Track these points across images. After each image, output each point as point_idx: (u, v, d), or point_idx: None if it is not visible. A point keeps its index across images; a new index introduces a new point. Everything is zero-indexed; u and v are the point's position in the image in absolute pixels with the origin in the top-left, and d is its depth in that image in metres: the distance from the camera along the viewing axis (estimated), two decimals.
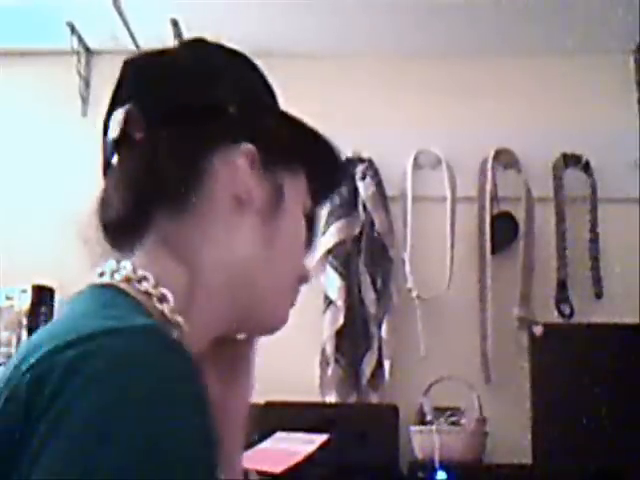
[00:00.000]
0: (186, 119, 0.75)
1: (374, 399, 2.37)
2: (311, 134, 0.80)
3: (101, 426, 0.53)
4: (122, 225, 0.74)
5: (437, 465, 2.06)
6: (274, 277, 0.78)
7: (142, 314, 0.66)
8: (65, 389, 0.54)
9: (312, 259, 0.92)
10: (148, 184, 0.73)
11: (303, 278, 0.83)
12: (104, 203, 0.77)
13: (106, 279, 0.70)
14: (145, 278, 0.69)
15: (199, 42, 0.83)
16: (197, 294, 0.71)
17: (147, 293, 0.68)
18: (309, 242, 0.86)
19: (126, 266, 0.70)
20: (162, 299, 0.68)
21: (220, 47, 0.83)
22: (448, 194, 2.46)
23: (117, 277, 0.70)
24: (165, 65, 0.81)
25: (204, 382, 0.59)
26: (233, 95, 0.77)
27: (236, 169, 0.74)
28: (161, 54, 0.83)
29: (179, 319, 0.68)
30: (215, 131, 0.75)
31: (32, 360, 0.57)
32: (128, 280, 0.69)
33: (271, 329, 0.82)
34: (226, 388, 0.81)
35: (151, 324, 0.62)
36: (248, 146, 0.75)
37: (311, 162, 0.82)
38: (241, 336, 0.83)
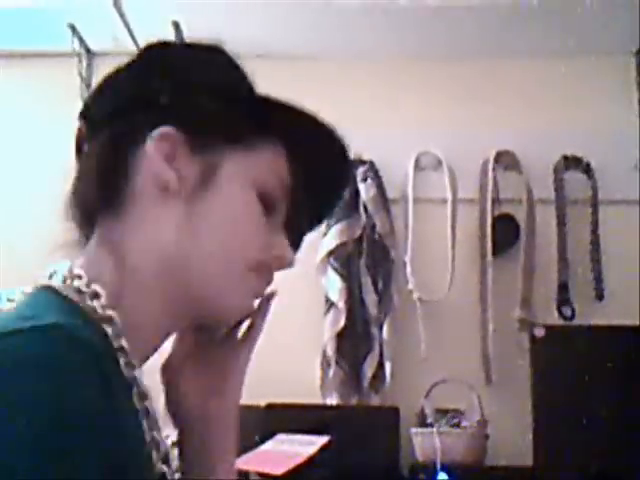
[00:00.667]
0: (117, 117, 0.76)
1: (375, 401, 2.37)
2: (292, 111, 0.77)
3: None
4: (76, 229, 0.78)
5: (438, 467, 2.06)
6: (212, 262, 0.75)
7: (67, 313, 0.66)
8: None
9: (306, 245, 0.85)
10: (87, 189, 0.77)
11: (259, 262, 0.78)
12: (64, 209, 0.81)
13: (46, 280, 0.73)
14: (79, 276, 0.71)
15: (153, 45, 0.83)
16: (128, 287, 0.72)
17: (80, 291, 0.70)
18: (290, 223, 0.81)
19: (64, 267, 0.73)
20: (94, 296, 0.69)
21: (173, 44, 0.84)
22: (449, 196, 2.46)
23: (56, 278, 0.72)
24: (111, 72, 0.82)
25: (103, 381, 0.59)
26: (164, 85, 0.76)
27: (148, 156, 0.74)
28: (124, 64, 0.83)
29: (111, 313, 0.69)
30: (142, 123, 0.75)
31: None
32: (65, 280, 0.71)
33: (225, 318, 0.79)
34: (212, 390, 0.80)
35: (53, 323, 0.61)
36: (162, 129, 0.74)
37: (289, 139, 0.79)
38: (222, 335, 0.82)
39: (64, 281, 0.71)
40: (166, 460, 0.74)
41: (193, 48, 0.82)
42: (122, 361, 0.68)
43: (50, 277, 0.74)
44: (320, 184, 0.83)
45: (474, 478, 2.13)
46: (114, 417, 0.59)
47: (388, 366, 2.36)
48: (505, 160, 2.50)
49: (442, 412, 2.20)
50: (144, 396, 0.70)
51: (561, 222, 2.45)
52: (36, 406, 0.55)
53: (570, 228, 2.44)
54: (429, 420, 2.19)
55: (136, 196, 0.75)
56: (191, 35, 2.53)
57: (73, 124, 2.74)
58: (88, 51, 2.66)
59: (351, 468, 2.05)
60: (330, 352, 2.37)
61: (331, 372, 2.36)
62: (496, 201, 2.48)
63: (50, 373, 0.57)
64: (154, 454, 0.70)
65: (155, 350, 0.77)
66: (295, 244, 0.85)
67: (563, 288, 2.42)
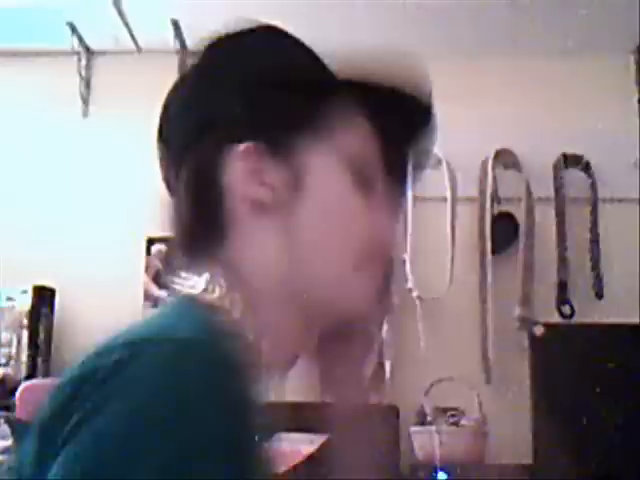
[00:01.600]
0: (196, 140, 0.74)
1: (374, 399, 2.37)
2: (359, 83, 0.76)
3: (116, 435, 0.54)
4: (186, 250, 0.76)
5: (438, 466, 2.06)
6: (324, 265, 0.73)
7: (200, 324, 0.65)
8: (101, 390, 0.56)
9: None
10: (188, 223, 0.75)
11: (372, 248, 0.75)
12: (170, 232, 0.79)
13: (185, 291, 0.72)
14: (213, 291, 0.70)
15: (214, 44, 0.81)
16: (252, 305, 0.71)
17: (214, 306, 0.69)
18: (394, 194, 0.79)
19: (200, 280, 0.71)
20: (227, 312, 0.69)
21: (227, 39, 0.81)
22: (448, 194, 2.46)
23: (192, 290, 0.71)
24: (178, 85, 0.80)
25: (239, 399, 0.59)
26: (234, 94, 0.74)
27: (233, 178, 0.73)
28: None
29: (241, 329, 0.69)
30: (223, 141, 0.73)
31: (85, 357, 0.60)
32: (202, 292, 0.70)
33: (353, 317, 0.77)
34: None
35: (192, 337, 0.61)
36: (241, 147, 0.72)
37: (371, 112, 0.77)
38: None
39: (201, 293, 0.71)
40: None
41: (250, 40, 0.80)
42: (254, 376, 0.68)
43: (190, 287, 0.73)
44: (408, 141, 0.82)
45: (474, 476, 2.13)
46: (244, 439, 0.59)
47: (387, 365, 2.36)
48: (505, 158, 2.50)
49: (441, 411, 2.20)
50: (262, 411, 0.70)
51: (561, 220, 2.45)
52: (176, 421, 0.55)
53: (569, 226, 2.44)
54: (429, 419, 2.19)
55: (232, 217, 0.73)
56: (190, 34, 2.53)
57: (72, 123, 2.73)
58: (88, 50, 2.65)
59: (350, 466, 2.04)
60: None
61: None
62: (495, 199, 2.48)
63: (182, 386, 0.56)
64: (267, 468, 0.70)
65: (296, 358, 0.78)
66: (397, 207, 0.83)
67: (562, 286, 2.41)
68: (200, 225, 0.74)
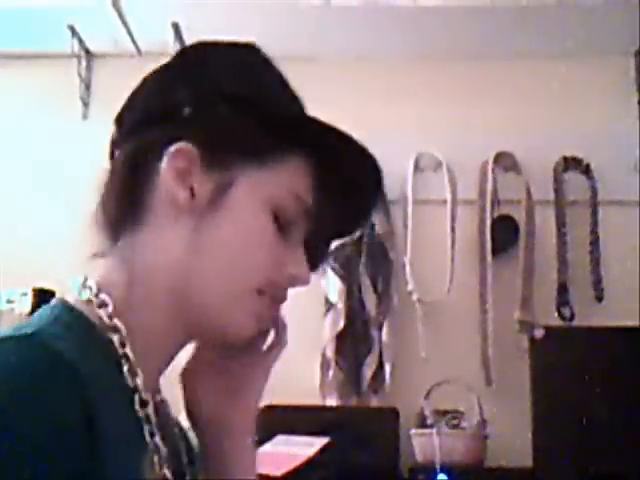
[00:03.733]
0: (141, 129, 0.76)
1: (374, 402, 2.37)
2: (318, 125, 0.75)
3: None
4: (101, 240, 0.79)
5: (438, 468, 2.06)
6: (215, 282, 0.74)
7: (63, 324, 0.69)
8: None
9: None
10: (109, 202, 0.77)
11: (271, 282, 0.76)
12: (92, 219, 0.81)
13: (67, 293, 0.75)
14: (90, 287, 0.73)
15: (187, 48, 0.82)
16: (135, 299, 0.73)
17: (89, 301, 0.72)
18: (313, 240, 0.80)
19: (80, 279, 0.75)
20: (101, 305, 0.72)
21: (207, 46, 0.81)
22: (448, 197, 2.46)
23: (72, 290, 0.75)
24: (146, 77, 0.81)
25: (64, 389, 0.61)
26: (186, 96, 0.75)
27: (161, 172, 0.74)
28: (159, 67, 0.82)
29: (117, 322, 0.71)
30: (163, 137, 0.74)
31: None
32: (79, 291, 0.74)
33: (226, 341, 0.78)
34: (225, 402, 0.80)
35: (29, 332, 0.64)
36: (177, 145, 0.73)
37: (318, 156, 0.77)
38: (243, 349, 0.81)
39: (79, 292, 0.74)
40: (179, 463, 0.76)
41: (225, 53, 0.80)
42: (125, 368, 0.70)
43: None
44: (349, 201, 0.81)
45: (474, 479, 2.13)
46: (51, 427, 0.60)
47: (388, 367, 2.36)
48: (505, 161, 2.50)
49: (442, 413, 2.20)
50: (145, 403, 0.71)
51: (560, 223, 2.45)
52: None
53: (570, 229, 2.44)
54: (429, 421, 2.19)
55: (152, 211, 0.75)
56: (190, 37, 2.54)
57: (72, 125, 2.73)
58: (87, 52, 2.66)
59: (351, 469, 2.04)
60: (330, 353, 2.37)
61: (331, 373, 2.36)
62: (495, 202, 2.48)
63: (7, 379, 0.59)
64: (155, 458, 0.71)
65: (171, 360, 0.78)
66: (318, 259, 0.84)
67: (562, 289, 2.41)
68: (120, 210, 0.76)
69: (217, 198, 0.74)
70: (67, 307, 0.72)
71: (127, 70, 2.57)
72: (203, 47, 0.80)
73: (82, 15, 2.49)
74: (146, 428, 0.71)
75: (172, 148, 0.73)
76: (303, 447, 1.94)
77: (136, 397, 0.70)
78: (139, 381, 0.71)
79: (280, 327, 0.83)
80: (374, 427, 2.20)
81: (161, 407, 0.78)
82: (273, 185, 0.75)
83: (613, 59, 2.56)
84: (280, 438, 2.01)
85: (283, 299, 0.80)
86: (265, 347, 0.83)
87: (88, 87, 2.64)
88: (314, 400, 2.32)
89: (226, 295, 0.75)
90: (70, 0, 2.46)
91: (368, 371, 2.37)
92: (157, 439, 0.71)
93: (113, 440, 0.63)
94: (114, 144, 0.80)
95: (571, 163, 2.48)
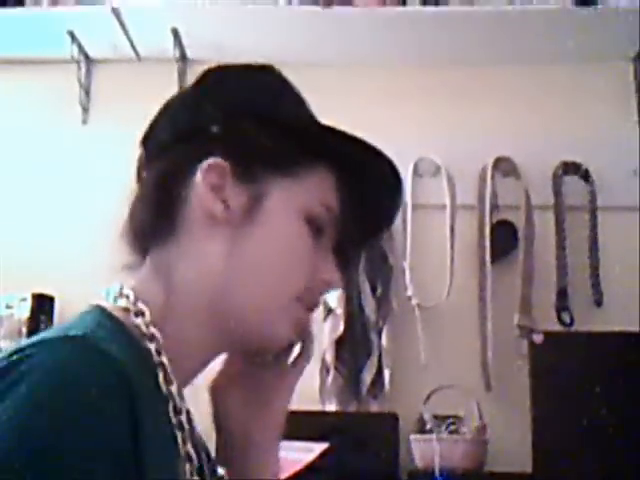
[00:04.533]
0: (172, 147, 0.78)
1: (374, 407, 2.37)
2: (338, 136, 0.78)
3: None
4: (130, 252, 0.80)
5: (437, 473, 2.05)
6: (255, 293, 0.76)
7: (106, 328, 0.70)
8: None
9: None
10: (142, 217, 0.79)
11: (306, 290, 0.78)
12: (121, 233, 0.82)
13: (101, 300, 0.77)
14: (127, 296, 0.74)
15: (208, 70, 0.84)
16: (172, 310, 0.75)
17: (127, 309, 0.73)
18: (339, 247, 0.82)
19: (116, 288, 0.76)
20: (138, 314, 0.73)
21: (227, 68, 0.83)
22: (448, 202, 2.46)
23: (107, 298, 0.76)
24: (169, 100, 0.84)
25: (116, 391, 0.61)
26: (215, 114, 0.78)
27: (195, 187, 0.76)
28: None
29: (153, 331, 0.72)
30: (194, 153, 0.77)
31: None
32: (115, 300, 0.75)
33: (266, 348, 0.80)
34: (253, 415, 0.82)
35: (80, 334, 0.65)
36: (210, 161, 0.76)
37: (339, 167, 0.80)
38: (271, 362, 0.83)
39: (114, 300, 0.75)
40: (201, 473, 0.76)
41: (246, 73, 0.83)
42: (161, 376, 0.71)
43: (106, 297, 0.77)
44: (373, 207, 0.84)
45: None
46: (107, 426, 0.60)
47: (387, 372, 2.36)
48: (504, 166, 2.50)
49: (441, 418, 2.20)
50: (179, 411, 0.72)
51: (560, 228, 2.45)
52: (30, 406, 0.58)
53: (569, 234, 2.44)
54: (428, 426, 2.19)
55: (187, 225, 0.77)
56: (190, 43, 2.54)
57: (71, 130, 2.74)
58: (87, 58, 2.66)
59: (350, 475, 2.04)
60: (329, 358, 2.37)
61: (330, 378, 2.36)
62: (495, 207, 2.48)
63: (60, 378, 0.60)
64: (187, 467, 0.72)
65: (201, 370, 0.79)
66: (344, 265, 0.85)
67: (562, 294, 2.41)
68: (153, 224, 0.78)
69: (252, 209, 0.76)
70: (107, 314, 0.73)
71: (127, 76, 2.61)
72: (224, 69, 0.83)
73: (82, 21, 2.50)
74: (179, 435, 0.72)
75: (205, 163, 0.76)
76: (302, 452, 1.94)
77: (170, 405, 0.71)
78: (173, 389, 0.72)
79: (308, 340, 0.85)
80: (373, 432, 2.20)
81: (189, 417, 0.79)
82: (304, 195, 0.78)
83: (612, 64, 2.56)
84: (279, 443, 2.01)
85: (317, 305, 0.82)
86: (291, 360, 0.84)
87: (88, 92, 2.64)
88: (313, 405, 2.32)
89: (267, 303, 0.76)
90: (70, 6, 2.47)
91: (367, 376, 2.37)
92: (189, 447, 0.72)
93: (154, 444, 0.64)
94: (141, 166, 0.82)
95: (570, 168, 2.48)
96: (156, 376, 0.71)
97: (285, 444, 2.04)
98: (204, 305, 0.75)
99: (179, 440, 0.72)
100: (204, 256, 0.76)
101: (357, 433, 2.16)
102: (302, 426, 2.11)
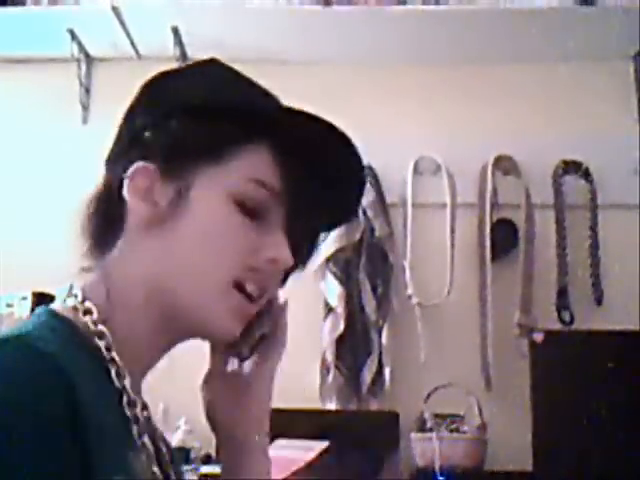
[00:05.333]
0: (116, 158, 0.82)
1: (374, 406, 2.37)
2: (282, 113, 0.78)
3: None
4: (86, 256, 0.83)
5: (437, 472, 2.06)
6: (190, 280, 0.77)
7: (50, 329, 0.72)
8: None
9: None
10: (91, 227, 0.82)
11: (246, 274, 0.78)
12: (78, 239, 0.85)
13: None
14: (75, 295, 0.77)
15: (148, 80, 0.85)
16: (116, 305, 0.77)
17: (75, 308, 0.76)
18: (298, 225, 0.81)
19: (66, 288, 0.80)
20: (86, 312, 0.75)
21: (167, 71, 0.85)
22: (448, 200, 2.46)
23: (58, 299, 0.80)
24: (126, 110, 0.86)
25: (48, 389, 0.63)
26: (149, 119, 0.80)
27: (126, 191, 0.79)
28: None
29: (101, 328, 0.75)
30: (127, 163, 0.79)
31: None
32: (64, 300, 0.78)
33: (212, 337, 0.82)
34: (233, 410, 0.83)
35: (15, 335, 0.68)
36: (134, 167, 0.78)
37: (278, 142, 0.79)
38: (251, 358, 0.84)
39: (64, 301, 0.78)
40: (160, 463, 0.78)
41: (181, 71, 0.86)
42: (113, 371, 0.73)
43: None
44: (329, 189, 0.82)
45: None
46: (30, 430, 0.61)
47: (387, 371, 2.36)
48: (504, 165, 2.50)
49: (441, 417, 2.20)
50: (133, 404, 0.74)
51: (560, 227, 2.45)
52: None
53: (569, 232, 2.44)
54: (428, 425, 2.19)
55: (127, 230, 0.80)
56: (190, 41, 2.54)
57: (71, 129, 2.73)
58: (87, 56, 2.66)
59: (350, 473, 2.04)
60: (329, 357, 2.37)
61: (330, 377, 2.36)
62: (495, 206, 2.48)
63: None
64: (144, 456, 0.74)
65: (155, 362, 0.81)
66: (308, 245, 0.85)
67: (562, 293, 2.41)
68: (101, 234, 0.81)
69: (178, 203, 0.77)
70: (52, 313, 0.76)
71: (127, 74, 2.58)
72: (160, 74, 0.85)
73: (82, 19, 2.50)
74: (134, 428, 0.74)
75: (129, 171, 0.78)
76: (303, 451, 1.94)
77: (124, 398, 0.73)
78: (127, 382, 0.74)
79: (279, 328, 0.85)
80: (374, 431, 2.20)
81: (145, 409, 0.80)
82: (231, 177, 0.78)
83: (612, 63, 2.56)
84: (280, 442, 2.01)
85: (265, 290, 0.80)
86: (264, 349, 0.85)
87: (88, 91, 2.64)
88: (314, 404, 2.32)
89: (203, 292, 0.77)
90: (70, 4, 2.47)
91: (368, 375, 2.37)
92: (145, 438, 0.74)
93: (99, 436, 0.65)
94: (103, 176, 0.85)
95: (570, 166, 2.48)
96: (107, 372, 0.73)
97: (285, 443, 2.05)
98: (144, 304, 0.77)
99: (134, 431, 0.73)
100: (140, 254, 0.78)
101: (357, 432, 2.16)
102: (302, 424, 2.11)
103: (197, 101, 0.79)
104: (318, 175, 0.80)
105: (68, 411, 0.63)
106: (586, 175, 2.47)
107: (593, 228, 2.45)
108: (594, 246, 2.44)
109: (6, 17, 2.46)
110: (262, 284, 0.80)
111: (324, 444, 1.99)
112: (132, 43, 2.55)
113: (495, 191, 2.48)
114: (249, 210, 0.78)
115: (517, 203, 2.46)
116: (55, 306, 0.78)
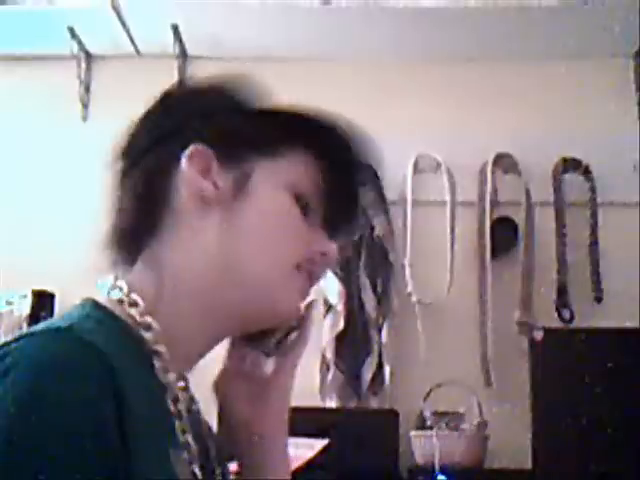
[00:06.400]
0: (153, 149, 0.81)
1: (374, 404, 2.37)
2: (305, 117, 0.81)
3: None
4: (119, 254, 0.82)
5: (437, 470, 2.06)
6: (258, 262, 0.78)
7: (97, 320, 0.71)
8: None
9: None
10: (129, 220, 0.81)
11: (305, 259, 0.80)
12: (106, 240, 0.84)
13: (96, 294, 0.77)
14: (120, 288, 0.75)
15: (173, 85, 0.88)
16: (166, 297, 0.76)
17: (121, 301, 0.75)
18: (328, 220, 0.83)
19: (110, 281, 0.78)
20: (132, 304, 0.74)
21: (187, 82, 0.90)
22: (448, 198, 2.46)
23: (101, 292, 0.77)
24: (142, 114, 0.86)
25: (98, 381, 0.63)
26: (195, 110, 0.81)
27: (182, 173, 0.78)
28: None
29: (149, 320, 0.73)
30: (176, 148, 0.79)
31: None
32: (108, 292, 0.76)
33: (275, 318, 0.81)
34: (254, 406, 0.82)
35: (64, 326, 0.67)
36: (192, 147, 0.78)
37: (313, 147, 0.82)
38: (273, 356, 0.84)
39: (108, 293, 0.76)
40: (204, 461, 0.76)
41: (212, 78, 0.85)
42: (157, 365, 0.72)
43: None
44: (342, 190, 0.85)
45: None
46: (90, 418, 0.61)
47: (387, 369, 2.36)
48: (504, 163, 2.50)
49: (441, 415, 2.20)
50: (176, 399, 0.73)
51: (560, 224, 2.44)
52: (15, 399, 0.60)
53: (569, 230, 2.44)
54: (428, 423, 2.19)
55: (177, 215, 0.78)
56: (190, 39, 2.54)
57: (71, 127, 2.73)
58: (87, 54, 2.66)
59: (350, 471, 2.04)
60: (329, 355, 2.37)
61: (330, 375, 2.36)
62: (495, 204, 2.48)
63: (45, 369, 0.62)
64: (185, 455, 0.72)
65: (201, 356, 0.80)
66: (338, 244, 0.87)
67: (562, 291, 2.41)
68: (143, 223, 0.79)
69: (240, 187, 0.78)
70: (97, 305, 0.75)
71: (127, 72, 2.61)
72: (183, 82, 0.88)
73: (82, 17, 2.49)
74: (178, 424, 0.72)
75: (188, 150, 0.78)
76: (303, 449, 1.94)
77: (168, 393, 0.72)
78: (171, 377, 0.73)
79: (305, 324, 0.85)
80: (374, 429, 2.20)
81: (191, 405, 0.79)
82: (288, 171, 0.80)
83: (612, 61, 2.56)
84: None
85: (318, 278, 0.83)
86: (289, 345, 0.85)
87: (88, 89, 2.64)
88: (314, 402, 2.32)
89: (269, 274, 0.78)
90: (70, 2, 2.47)
91: (368, 373, 2.37)
92: (188, 436, 0.73)
93: (144, 432, 0.65)
94: (123, 175, 0.83)
95: (570, 164, 2.48)
96: (152, 365, 0.72)
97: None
98: (203, 288, 0.76)
99: (177, 428, 0.72)
100: (199, 239, 0.77)
101: (357, 429, 2.16)
102: (302, 422, 2.11)
103: (246, 101, 0.82)
104: (350, 182, 0.85)
105: (116, 404, 0.62)
106: (586, 173, 2.47)
107: (593, 226, 2.45)
108: (594, 244, 2.44)
109: (6, 15, 2.46)
110: (317, 273, 0.83)
111: (324, 442, 1.99)
112: (132, 41, 2.55)
113: (495, 189, 2.48)
114: (301, 206, 0.80)
115: (517, 201, 2.46)
116: (99, 298, 0.76)
